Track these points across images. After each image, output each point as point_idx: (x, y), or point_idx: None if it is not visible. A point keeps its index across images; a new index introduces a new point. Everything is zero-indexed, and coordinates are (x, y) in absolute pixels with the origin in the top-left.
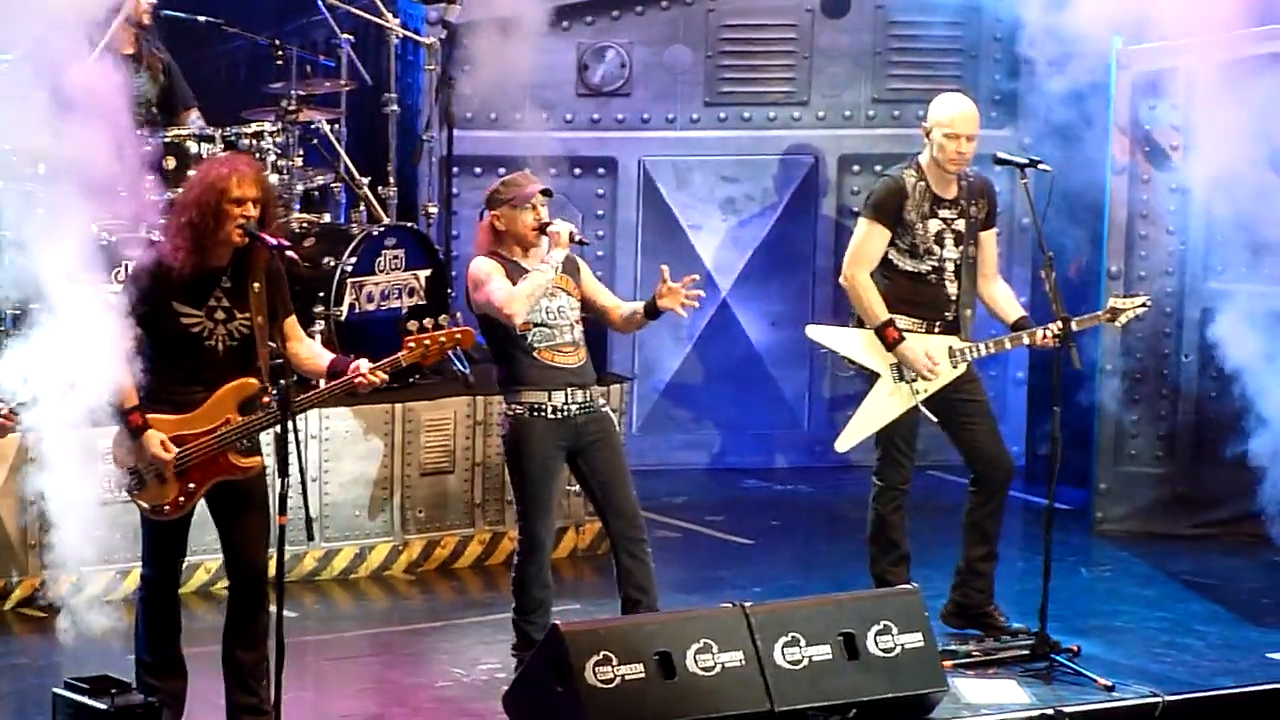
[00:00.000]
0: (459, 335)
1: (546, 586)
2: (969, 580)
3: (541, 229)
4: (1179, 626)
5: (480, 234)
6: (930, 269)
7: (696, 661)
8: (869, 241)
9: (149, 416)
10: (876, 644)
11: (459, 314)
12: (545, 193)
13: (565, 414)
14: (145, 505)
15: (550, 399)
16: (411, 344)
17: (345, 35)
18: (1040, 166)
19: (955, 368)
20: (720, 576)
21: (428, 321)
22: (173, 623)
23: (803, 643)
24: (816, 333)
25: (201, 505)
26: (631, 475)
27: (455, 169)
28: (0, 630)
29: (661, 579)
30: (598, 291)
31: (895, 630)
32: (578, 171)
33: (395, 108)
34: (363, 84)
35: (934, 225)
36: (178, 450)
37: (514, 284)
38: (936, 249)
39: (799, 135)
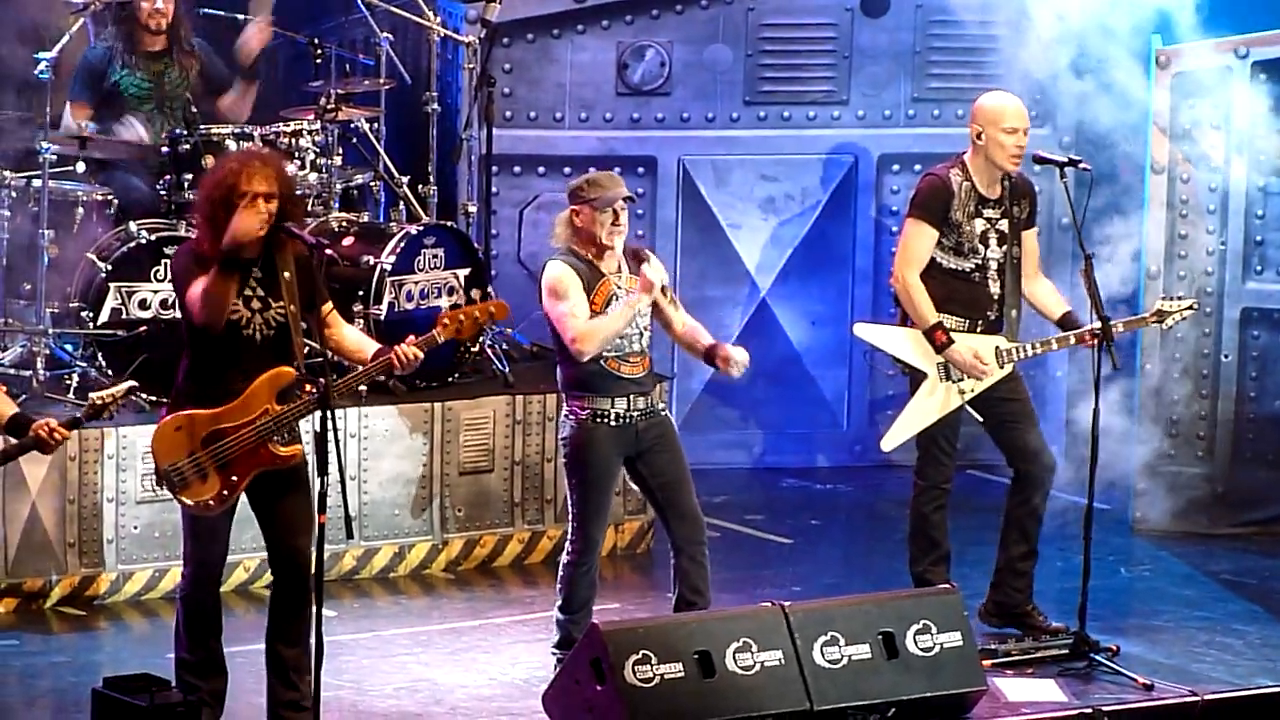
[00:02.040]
0: (493, 309)
1: (593, 587)
2: (1008, 580)
3: (614, 237)
4: (1218, 626)
5: (558, 225)
6: (974, 267)
7: (736, 660)
8: (917, 241)
9: (189, 413)
10: (915, 643)
11: (491, 290)
12: (628, 199)
13: (626, 421)
14: (189, 502)
15: (613, 406)
16: (446, 320)
17: (384, 34)
18: (1080, 166)
19: (1002, 368)
20: (760, 576)
21: (460, 297)
22: (214, 621)
23: (842, 642)
24: (864, 331)
25: (242, 503)
26: (692, 478)
27: (495, 168)
28: (39, 628)
29: None
30: (667, 304)
31: (934, 629)
32: (617, 170)
33: (435, 106)
34: (402, 82)
35: (979, 224)
36: (219, 443)
37: (586, 289)
38: (981, 248)
39: (839, 134)
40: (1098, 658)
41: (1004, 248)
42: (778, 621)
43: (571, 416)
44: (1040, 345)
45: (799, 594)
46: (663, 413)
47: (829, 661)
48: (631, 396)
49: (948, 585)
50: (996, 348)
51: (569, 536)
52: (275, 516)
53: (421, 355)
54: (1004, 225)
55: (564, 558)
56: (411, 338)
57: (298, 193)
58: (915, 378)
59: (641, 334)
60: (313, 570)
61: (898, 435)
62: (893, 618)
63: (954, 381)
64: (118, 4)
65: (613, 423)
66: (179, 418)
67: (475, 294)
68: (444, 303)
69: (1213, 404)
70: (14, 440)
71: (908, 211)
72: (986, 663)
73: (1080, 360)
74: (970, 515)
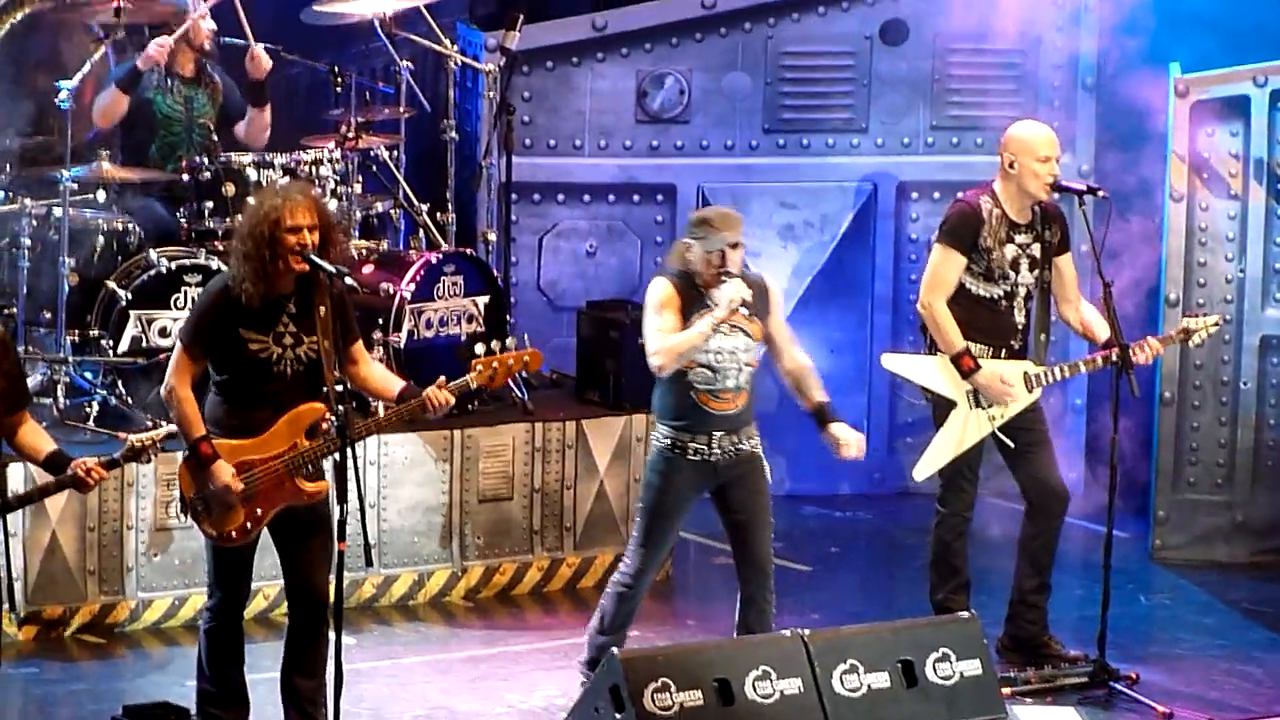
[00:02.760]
0: (526, 358)
1: (633, 614)
2: (1022, 612)
3: (719, 276)
4: (1238, 654)
5: (672, 252)
6: (1002, 294)
7: (755, 689)
8: (945, 268)
9: (215, 442)
10: (935, 671)
11: (525, 335)
12: (735, 245)
13: (706, 457)
14: (212, 532)
15: (694, 439)
16: (479, 366)
17: (404, 62)
18: (1099, 194)
19: (1031, 392)
20: (779, 603)
21: (495, 344)
22: (236, 651)
23: (861, 670)
24: (891, 361)
25: (264, 531)
26: (770, 519)
27: (514, 195)
28: (60, 656)
29: (720, 605)
30: (779, 337)
31: (954, 658)
32: (636, 198)
33: (454, 134)
34: (422, 110)
35: (1010, 250)
36: (244, 475)
37: (685, 312)
38: (1012, 274)
39: (858, 162)
40: (1117, 686)
41: (1035, 273)
42: (797, 649)
43: (656, 441)
44: (1068, 369)
45: (818, 622)
46: (751, 450)
47: (848, 690)
48: (717, 434)
49: (967, 613)
50: (1025, 373)
51: (625, 557)
52: (294, 550)
53: (453, 400)
54: (1035, 250)
55: (615, 576)
56: (443, 379)
57: (337, 223)
58: (943, 406)
59: (740, 370)
60: (329, 604)
61: (929, 464)
62: (912, 646)
63: (983, 408)
64: (142, 30)
65: (691, 456)
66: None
67: (510, 342)
68: (463, 330)
69: (1232, 431)
70: (52, 477)
71: (936, 237)
72: (1006, 691)
73: (1100, 387)
74: (989, 543)
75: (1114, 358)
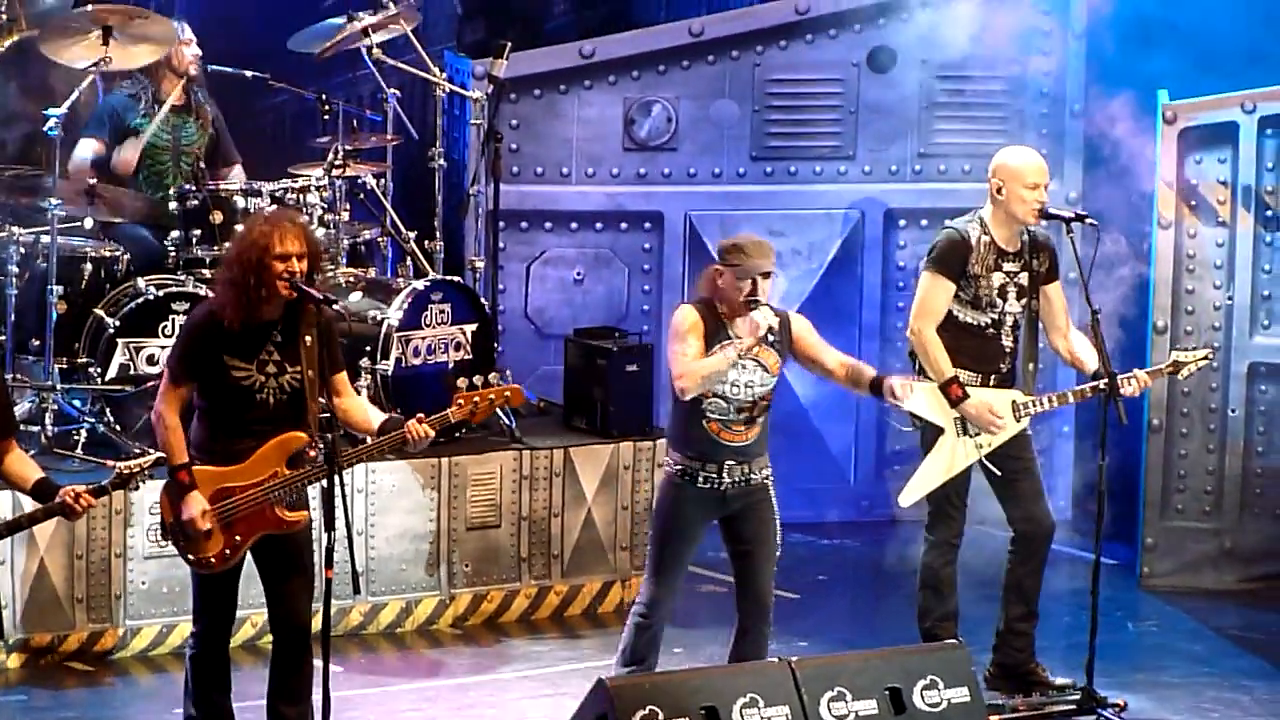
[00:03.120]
0: (508, 393)
1: (652, 648)
2: (1009, 640)
3: (748, 305)
4: (1226, 681)
5: (702, 279)
6: (990, 322)
7: (743, 716)
8: (934, 295)
9: (196, 469)
10: (923, 699)
11: (507, 371)
12: (766, 274)
13: (716, 485)
14: (191, 558)
15: (704, 469)
16: (461, 400)
17: (392, 90)
18: (1087, 221)
19: (1019, 421)
20: None
21: (477, 379)
22: (222, 679)
23: (849, 697)
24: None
25: (249, 559)
26: (776, 552)
27: (502, 223)
28: (48, 684)
29: (708, 633)
30: (820, 351)
31: (942, 685)
32: (624, 226)
33: (442, 162)
34: (409, 138)
35: (998, 278)
36: (224, 502)
37: (708, 340)
38: (1000, 302)
39: (845, 190)
40: (1105, 713)
41: (1022, 301)
42: (784, 677)
43: (666, 468)
44: (1056, 399)
45: (806, 649)
46: (762, 481)
47: (836, 717)
48: (728, 464)
49: (955, 641)
50: (1013, 402)
51: (640, 588)
52: (277, 579)
53: (433, 434)
54: (1024, 279)
55: (633, 609)
56: (421, 416)
57: (324, 253)
58: (931, 432)
59: (755, 402)
60: (311, 630)
61: (915, 491)
62: (900, 673)
63: (971, 436)
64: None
65: (701, 484)
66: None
67: (494, 376)
68: (451, 358)
69: (1220, 458)
70: (40, 505)
71: (925, 264)
72: (994, 719)
73: (1088, 415)
74: (977, 572)
75: (1101, 385)
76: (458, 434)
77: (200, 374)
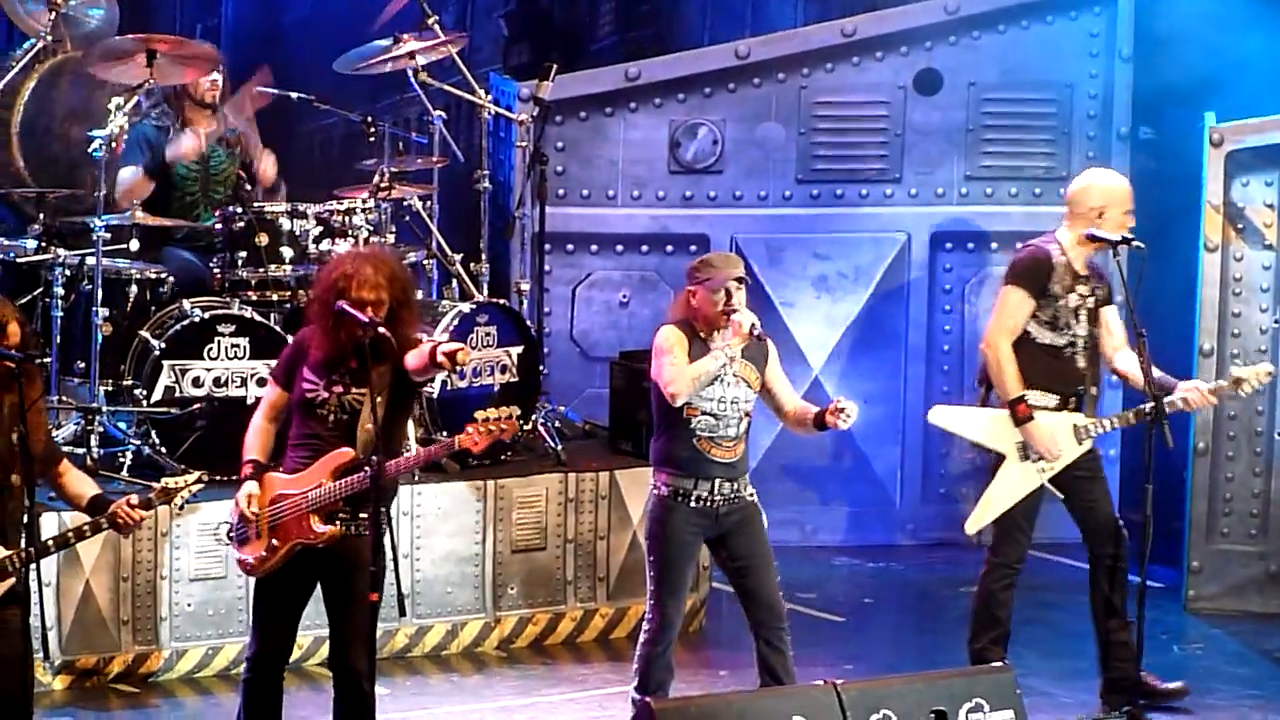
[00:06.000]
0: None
1: (669, 670)
2: (1113, 654)
3: (726, 314)
4: (1272, 705)
5: (675, 304)
6: (1066, 343)
7: None
8: (1014, 309)
9: (268, 475)
10: None
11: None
12: (739, 280)
13: (708, 504)
14: (238, 557)
15: (696, 487)
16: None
17: (438, 112)
18: (1134, 244)
19: (1080, 444)
20: (812, 654)
21: (512, 375)
22: (271, 707)
23: None
24: (939, 416)
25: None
26: (774, 562)
27: (547, 246)
28: (94, 705)
29: (753, 656)
30: (778, 386)
31: (987, 708)
32: (670, 249)
33: (487, 184)
34: (455, 160)
35: (1074, 300)
36: (275, 507)
37: (691, 358)
38: (1073, 323)
39: (891, 212)
40: None
41: (1091, 325)
42: (830, 700)
43: (655, 490)
44: (1117, 420)
45: (851, 672)
46: (750, 499)
47: None
48: (718, 480)
49: (1001, 664)
50: (1074, 425)
51: (646, 614)
52: (336, 623)
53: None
54: (1092, 302)
55: (641, 636)
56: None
57: (414, 296)
58: (994, 459)
59: (741, 419)
60: (369, 681)
61: (981, 517)
62: (945, 696)
63: (1033, 461)
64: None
65: (693, 503)
66: (264, 476)
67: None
68: (497, 380)
69: (1266, 481)
70: (90, 519)
71: (1006, 279)
72: None
73: (1134, 436)
74: (1027, 594)
75: (1147, 410)
76: (503, 456)
77: (284, 384)
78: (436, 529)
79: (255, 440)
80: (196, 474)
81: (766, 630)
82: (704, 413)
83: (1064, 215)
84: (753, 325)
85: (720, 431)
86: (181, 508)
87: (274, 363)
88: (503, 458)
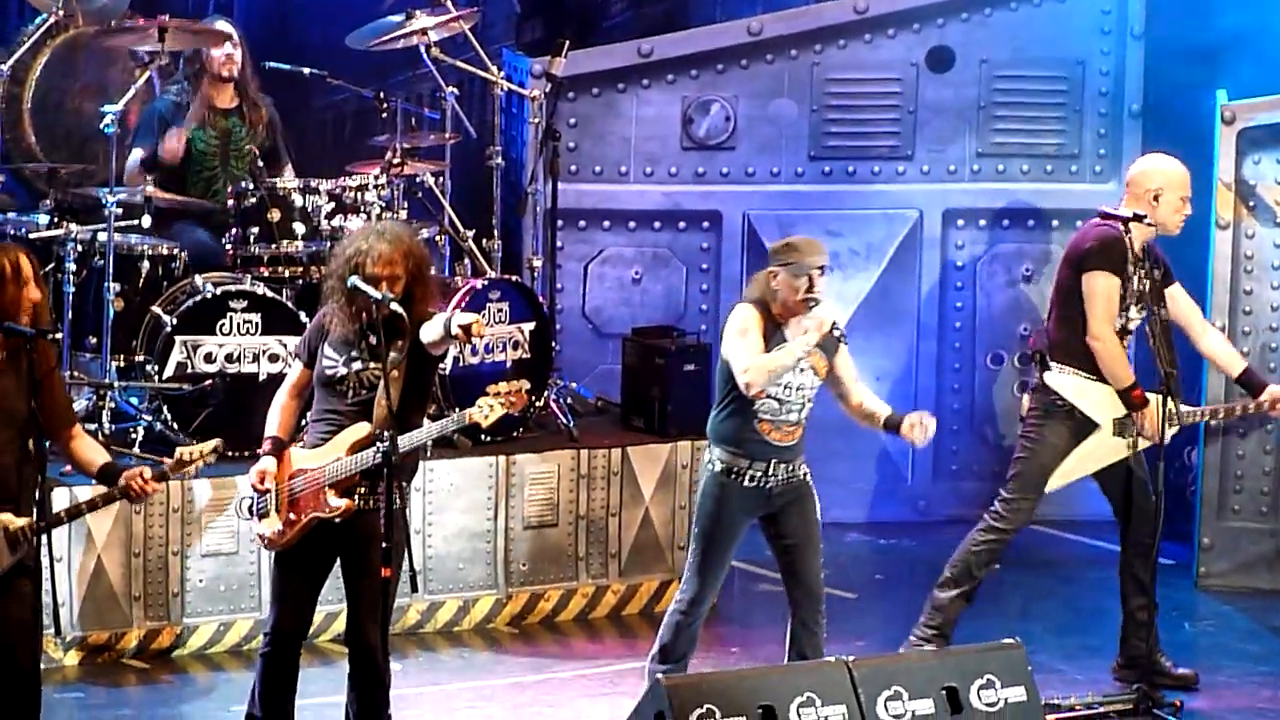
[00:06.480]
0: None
1: (693, 643)
2: (1131, 631)
3: (807, 302)
4: None
5: (753, 282)
6: (1120, 327)
7: (800, 715)
8: (1112, 295)
9: (292, 450)
10: (980, 698)
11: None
12: (821, 269)
13: (762, 484)
14: (257, 532)
15: (752, 467)
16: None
17: (450, 88)
18: (1145, 222)
19: (1171, 429)
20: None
21: (525, 352)
22: (287, 683)
23: (906, 697)
24: (1055, 380)
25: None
26: (820, 544)
27: (560, 222)
28: (105, 681)
29: (765, 632)
30: (846, 377)
31: (999, 684)
32: (682, 225)
33: (500, 160)
34: (467, 137)
35: (1135, 283)
36: (293, 481)
37: (767, 345)
38: (1132, 307)
39: (903, 189)
40: (1161, 713)
41: (1141, 310)
42: (842, 676)
43: (711, 466)
44: (1208, 412)
45: (863, 649)
46: (804, 478)
47: (893, 716)
48: (773, 462)
49: (1011, 640)
50: (1169, 410)
51: (681, 584)
52: (350, 600)
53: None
54: (1146, 286)
55: (672, 604)
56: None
57: (429, 271)
58: (1086, 425)
59: (804, 405)
60: (383, 655)
61: (1062, 479)
62: (956, 673)
63: (1126, 437)
64: (186, 57)
65: (747, 483)
66: (283, 452)
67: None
68: (509, 357)
69: (1277, 459)
70: (103, 489)
71: (1088, 266)
72: (1051, 718)
73: None
74: (1038, 570)
75: (1159, 388)
76: (515, 433)
77: (307, 362)
78: (449, 505)
79: (277, 416)
80: (213, 443)
81: (803, 611)
82: (770, 396)
83: (1121, 196)
84: (834, 324)
85: (782, 416)
86: (198, 475)
87: (286, 338)
88: (515, 434)
